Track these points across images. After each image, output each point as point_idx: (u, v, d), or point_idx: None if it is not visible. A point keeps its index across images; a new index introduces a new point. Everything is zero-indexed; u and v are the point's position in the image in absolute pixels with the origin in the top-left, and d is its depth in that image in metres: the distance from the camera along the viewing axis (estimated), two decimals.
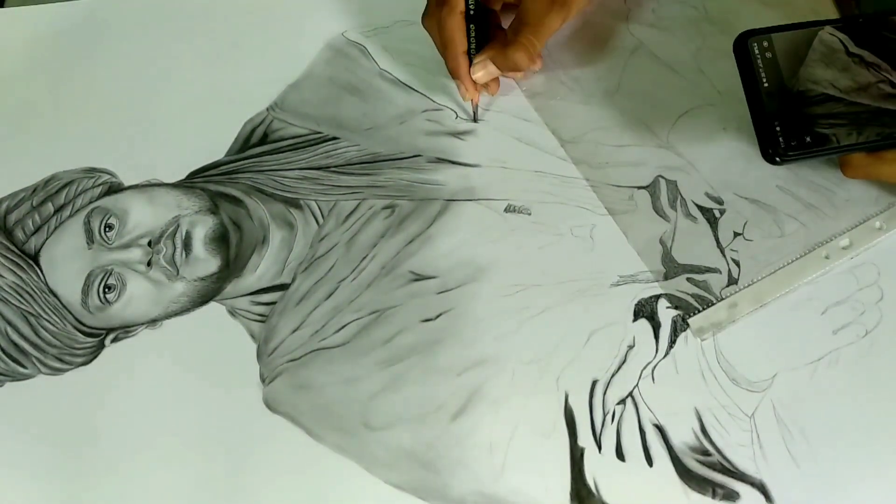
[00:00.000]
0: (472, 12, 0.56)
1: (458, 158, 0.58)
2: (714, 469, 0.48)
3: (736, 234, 0.54)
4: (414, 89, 0.61)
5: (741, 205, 0.55)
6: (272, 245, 0.57)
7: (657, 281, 0.53)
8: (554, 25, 0.55)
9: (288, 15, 0.66)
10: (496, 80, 0.58)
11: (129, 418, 0.53)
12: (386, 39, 0.64)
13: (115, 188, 0.60)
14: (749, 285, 0.52)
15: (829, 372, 0.50)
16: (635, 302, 0.53)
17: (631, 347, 0.52)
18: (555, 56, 0.60)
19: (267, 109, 0.62)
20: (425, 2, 0.58)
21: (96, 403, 0.54)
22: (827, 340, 0.51)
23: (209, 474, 0.51)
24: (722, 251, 0.54)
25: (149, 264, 0.56)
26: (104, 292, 0.56)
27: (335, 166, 0.59)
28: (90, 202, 0.59)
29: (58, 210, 0.59)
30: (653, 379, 0.51)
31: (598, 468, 0.49)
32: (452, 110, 0.60)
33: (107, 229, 0.57)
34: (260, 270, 0.57)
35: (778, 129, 0.49)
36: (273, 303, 0.56)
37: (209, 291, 0.56)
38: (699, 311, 0.52)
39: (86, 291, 0.56)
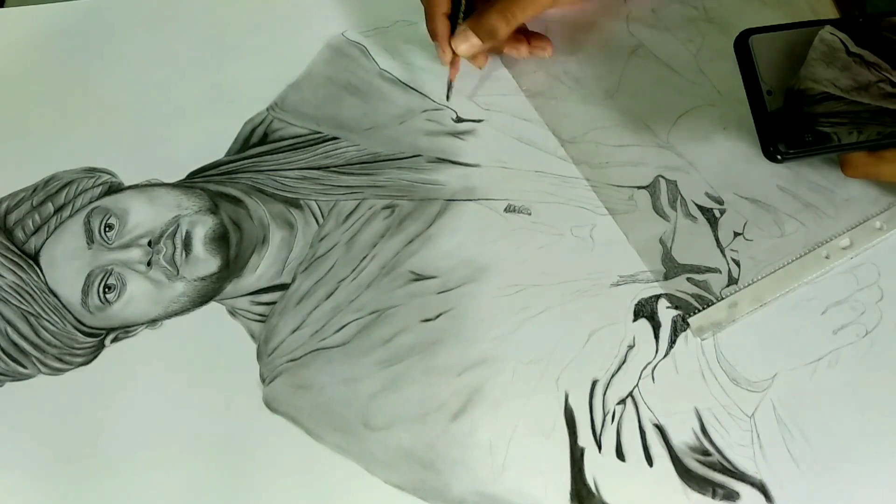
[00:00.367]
0: None
1: (459, 158, 0.58)
2: (714, 469, 0.48)
3: (736, 234, 0.54)
4: (414, 89, 0.61)
5: (741, 205, 0.55)
6: (272, 245, 0.57)
7: (657, 281, 0.53)
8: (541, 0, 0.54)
9: (288, 15, 0.66)
10: (484, 53, 0.58)
11: (129, 418, 0.53)
12: (386, 39, 0.64)
13: (115, 188, 0.60)
14: (749, 285, 0.52)
15: (829, 372, 0.50)
16: (635, 302, 0.53)
17: (631, 347, 0.52)
18: (555, 56, 0.60)
19: (267, 109, 0.62)
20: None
21: (96, 403, 0.54)
22: (827, 340, 0.51)
23: (209, 474, 0.51)
24: (722, 251, 0.54)
25: (149, 264, 0.56)
26: (104, 292, 0.56)
27: (335, 166, 0.59)
28: (90, 202, 0.59)
29: (58, 210, 0.59)
30: (653, 379, 0.51)
31: (598, 468, 0.49)
32: (453, 110, 0.60)
33: (107, 229, 0.57)
34: (260, 270, 0.57)
35: (779, 127, 0.49)
36: (273, 303, 0.56)
37: (209, 291, 0.56)
38: (699, 311, 0.52)
39: (86, 291, 0.56)
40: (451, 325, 0.53)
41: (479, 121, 0.60)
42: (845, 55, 0.49)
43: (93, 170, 0.61)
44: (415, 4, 0.59)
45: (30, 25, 0.68)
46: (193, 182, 0.60)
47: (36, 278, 0.57)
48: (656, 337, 0.52)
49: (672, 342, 0.52)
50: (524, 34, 0.59)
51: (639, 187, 0.56)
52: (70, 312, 0.56)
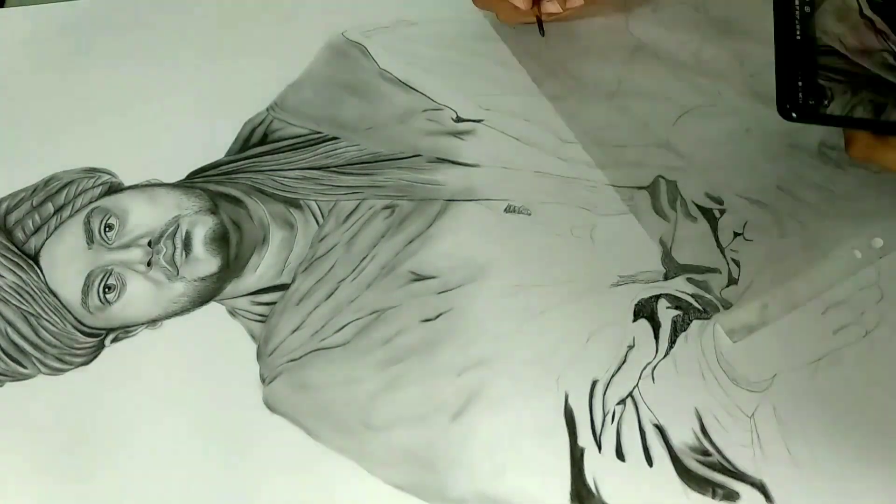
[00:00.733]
0: None
1: (459, 158, 0.58)
2: (714, 469, 0.48)
3: (736, 234, 0.54)
4: (414, 89, 0.61)
5: (741, 205, 0.55)
6: (272, 245, 0.57)
7: (657, 281, 0.53)
8: None
9: (288, 15, 0.66)
10: None
11: (129, 418, 0.53)
12: (386, 39, 0.64)
13: (115, 188, 0.60)
14: (780, 286, 0.51)
15: (829, 372, 0.50)
16: (635, 302, 0.53)
17: (631, 347, 0.52)
18: (555, 56, 0.60)
19: (267, 109, 0.62)
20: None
21: (96, 403, 0.54)
22: (827, 340, 0.51)
23: (209, 474, 0.51)
24: (722, 251, 0.54)
25: (149, 264, 0.56)
26: (104, 292, 0.56)
27: (335, 166, 0.59)
28: (90, 202, 0.59)
29: (58, 210, 0.59)
30: (653, 379, 0.51)
31: (598, 468, 0.49)
32: (453, 110, 0.60)
33: (107, 229, 0.57)
34: (260, 270, 0.57)
35: (800, 83, 0.48)
36: (273, 303, 0.56)
37: (209, 291, 0.56)
38: (701, 312, 0.52)
39: (86, 291, 0.56)
40: (451, 325, 0.53)
41: (479, 121, 0.60)
42: (857, 15, 0.48)
43: (93, 170, 0.61)
44: (415, 4, 0.59)
45: (30, 25, 0.68)
46: (193, 182, 0.60)
47: (36, 278, 0.57)
48: (656, 337, 0.52)
49: (672, 342, 0.51)
50: None
51: (639, 187, 0.56)
52: (70, 312, 0.56)
